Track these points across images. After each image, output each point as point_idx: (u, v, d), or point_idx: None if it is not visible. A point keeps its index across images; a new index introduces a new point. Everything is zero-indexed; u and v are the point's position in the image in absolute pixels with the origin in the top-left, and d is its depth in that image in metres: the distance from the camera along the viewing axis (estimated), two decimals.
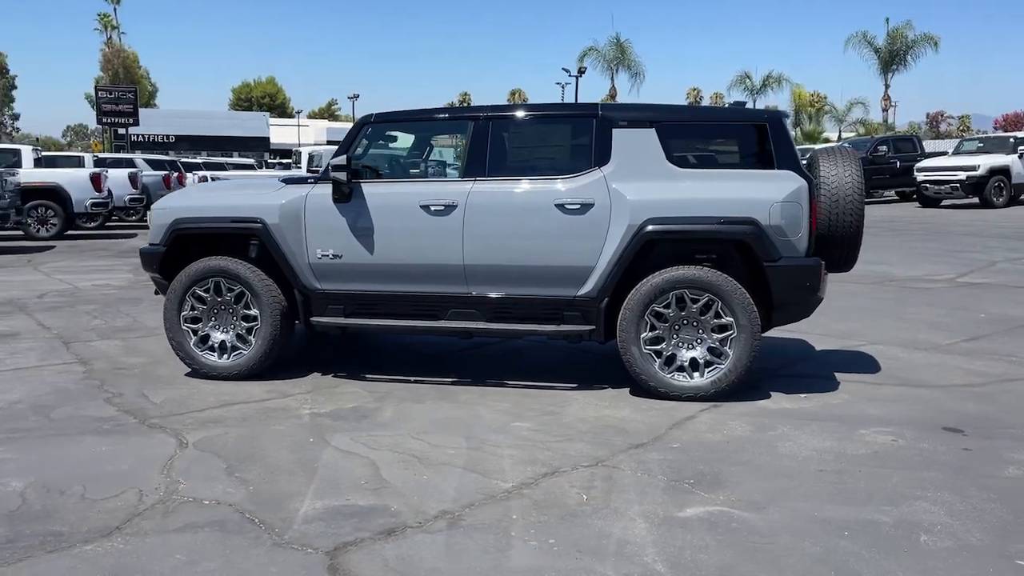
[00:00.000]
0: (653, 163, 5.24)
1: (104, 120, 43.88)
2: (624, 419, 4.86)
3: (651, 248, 5.30)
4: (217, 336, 5.74)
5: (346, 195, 5.48)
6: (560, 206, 5.25)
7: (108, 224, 20.19)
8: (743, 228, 5.05)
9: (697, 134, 5.46)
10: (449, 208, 5.35)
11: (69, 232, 17.67)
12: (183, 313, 5.73)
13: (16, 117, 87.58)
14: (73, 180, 17.23)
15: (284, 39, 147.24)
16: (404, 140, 6.20)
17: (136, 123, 43.58)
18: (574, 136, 5.50)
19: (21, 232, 17.09)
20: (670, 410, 5.01)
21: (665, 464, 4.12)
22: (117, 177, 19.37)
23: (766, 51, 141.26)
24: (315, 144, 45.37)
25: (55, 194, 17.12)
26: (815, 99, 67.38)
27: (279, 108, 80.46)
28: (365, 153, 5.70)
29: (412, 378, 5.77)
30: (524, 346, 6.78)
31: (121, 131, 45.26)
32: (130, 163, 24.56)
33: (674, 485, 3.85)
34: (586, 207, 5.23)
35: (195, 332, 5.74)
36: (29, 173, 17.12)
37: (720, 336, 5.15)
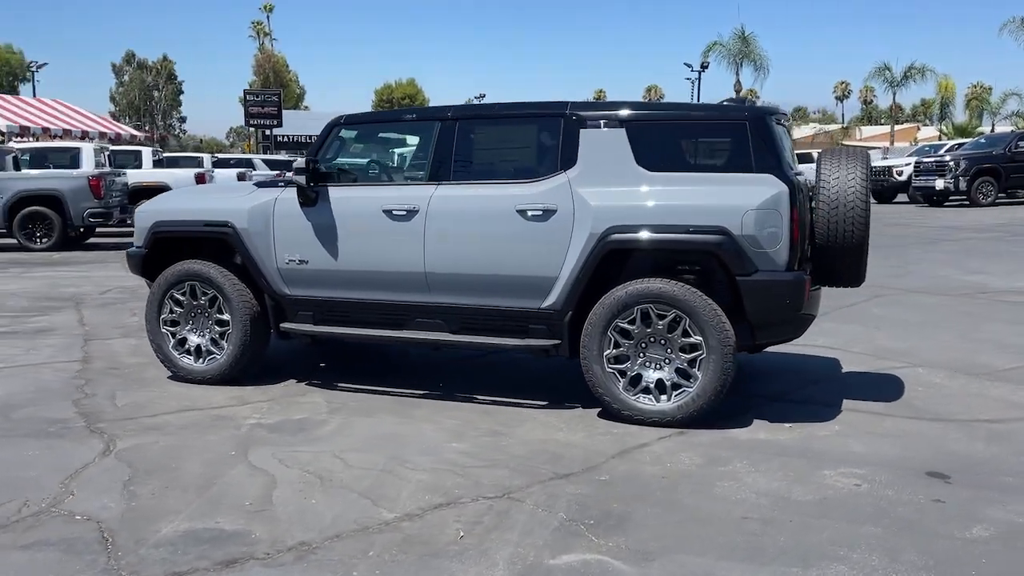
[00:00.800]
0: (621, 166, 4.81)
1: (251, 122, 46.06)
2: (570, 444, 4.47)
3: (624, 258, 4.89)
4: (193, 340, 5.71)
5: (311, 199, 5.33)
6: (522, 212, 4.90)
7: None
8: (712, 238, 4.55)
9: (672, 134, 4.95)
10: (411, 213, 5.11)
11: None
12: (162, 316, 5.73)
13: (183, 120, 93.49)
14: (179, 180, 18.02)
15: (425, 41, 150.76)
16: (383, 142, 5.98)
17: (279, 124, 45.37)
18: (542, 137, 5.12)
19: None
20: (626, 436, 4.58)
21: (577, 499, 3.72)
22: (225, 177, 20.16)
23: (910, 41, 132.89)
24: None
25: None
26: (977, 90, 62.84)
27: None
28: (336, 156, 5.53)
29: (384, 388, 5.56)
30: (523, 358, 6.45)
31: (267, 132, 47.32)
32: (249, 163, 25.69)
33: (568, 525, 3.45)
34: (548, 213, 4.86)
35: (174, 335, 5.74)
36: (139, 173, 18.10)
37: (688, 357, 4.67)
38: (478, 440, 4.55)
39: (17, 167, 16.55)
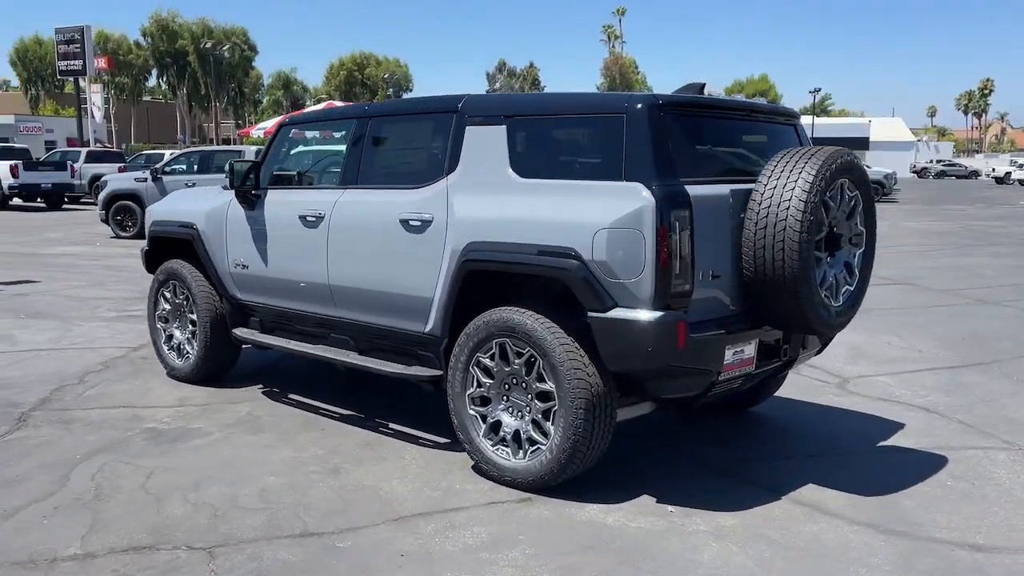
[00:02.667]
0: (495, 170, 4.00)
1: None
2: (380, 497, 3.81)
3: (516, 281, 4.09)
4: (178, 336, 5.82)
5: (250, 202, 5.16)
6: (404, 222, 4.29)
7: None
8: (559, 262, 3.61)
9: (551, 133, 4.00)
10: (318, 220, 4.72)
11: None
12: (156, 312, 5.91)
13: None
14: None
15: (775, 37, 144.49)
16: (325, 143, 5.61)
17: None
18: (436, 137, 4.42)
19: None
20: (454, 496, 3.82)
21: (263, 568, 3.14)
22: None
23: None
24: None
25: None
26: None
27: None
28: (287, 157, 5.29)
29: (324, 405, 5.21)
30: None
31: None
32: None
33: None
34: (425, 224, 4.20)
35: (165, 331, 5.89)
36: None
37: (543, 407, 3.77)
38: (305, 477, 4.07)
39: None
